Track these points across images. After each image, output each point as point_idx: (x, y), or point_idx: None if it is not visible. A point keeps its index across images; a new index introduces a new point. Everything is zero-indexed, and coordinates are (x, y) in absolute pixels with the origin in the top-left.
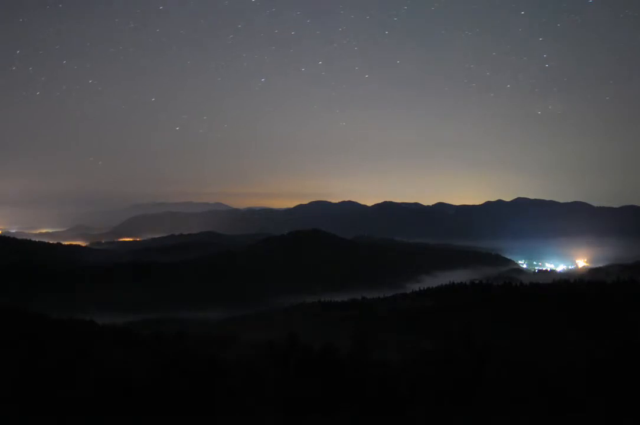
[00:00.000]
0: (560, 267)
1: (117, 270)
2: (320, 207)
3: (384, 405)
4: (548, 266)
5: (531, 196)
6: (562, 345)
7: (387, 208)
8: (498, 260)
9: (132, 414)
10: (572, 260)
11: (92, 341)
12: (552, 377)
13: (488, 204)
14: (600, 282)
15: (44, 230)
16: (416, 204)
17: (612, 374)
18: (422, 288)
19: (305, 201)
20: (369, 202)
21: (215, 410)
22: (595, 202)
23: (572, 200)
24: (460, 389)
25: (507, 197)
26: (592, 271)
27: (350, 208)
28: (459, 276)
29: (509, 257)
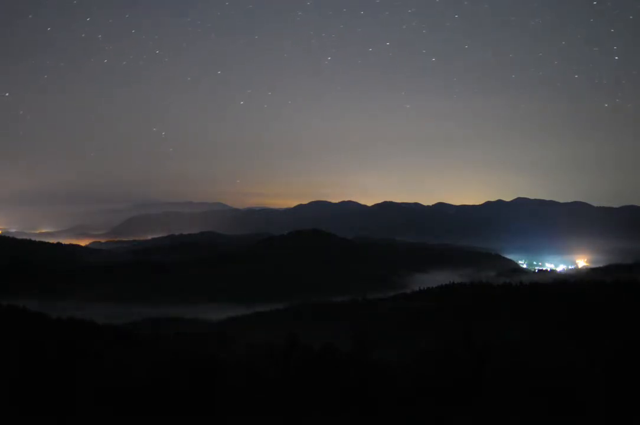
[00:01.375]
0: (560, 267)
1: (117, 270)
2: (320, 207)
3: (384, 405)
4: (548, 266)
5: (531, 196)
6: (562, 345)
7: (387, 208)
8: (498, 260)
9: (132, 414)
10: (572, 260)
11: (92, 341)
12: (552, 377)
13: (488, 204)
14: (600, 282)
15: (44, 230)
16: (416, 204)
17: (612, 374)
18: (422, 288)
19: (305, 201)
20: (369, 202)
21: (216, 410)
22: (595, 202)
23: (572, 200)
24: (460, 388)
25: (507, 197)
26: (592, 271)
27: (350, 208)
28: (459, 276)
29: (509, 257)
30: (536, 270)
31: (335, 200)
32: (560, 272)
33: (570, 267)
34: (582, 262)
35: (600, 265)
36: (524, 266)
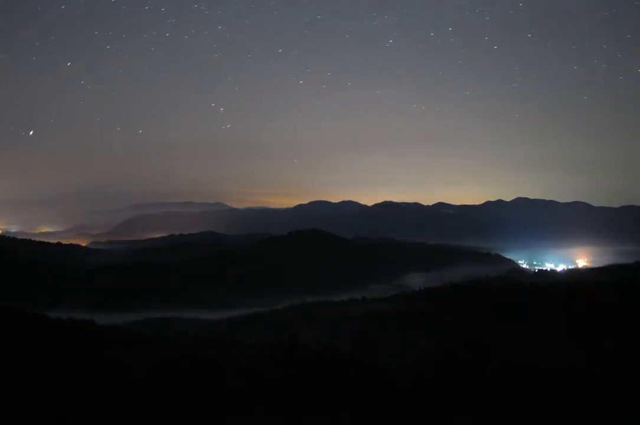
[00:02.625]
0: (560, 267)
1: (117, 270)
2: (320, 207)
3: (384, 405)
4: (548, 266)
5: (531, 196)
6: (561, 346)
7: (387, 208)
8: (498, 260)
9: (132, 414)
10: (572, 260)
11: (92, 341)
12: (552, 377)
13: (488, 204)
14: (600, 282)
15: (44, 230)
16: (416, 204)
17: (612, 374)
18: (422, 288)
19: (305, 201)
20: (369, 202)
21: (216, 410)
22: (595, 202)
23: (572, 200)
24: (460, 388)
25: (507, 197)
26: (592, 271)
27: (350, 208)
28: (459, 276)
29: (509, 257)
30: (536, 270)
31: (335, 200)
32: (560, 272)
33: (570, 267)
34: (582, 262)
35: (600, 265)
36: (524, 266)
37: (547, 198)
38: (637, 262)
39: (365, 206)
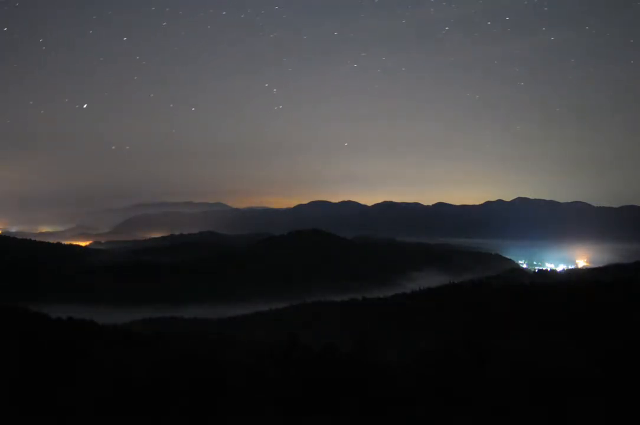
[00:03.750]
0: (560, 267)
1: (117, 270)
2: (320, 207)
3: (384, 405)
4: (548, 266)
5: (531, 196)
6: (562, 345)
7: (387, 208)
8: (498, 260)
9: (132, 414)
10: (572, 260)
11: (92, 341)
12: (552, 377)
13: (488, 204)
14: (600, 282)
15: (44, 230)
16: (416, 204)
17: (612, 374)
18: (422, 288)
19: (305, 201)
20: (369, 202)
21: (216, 410)
22: (595, 202)
23: (572, 200)
24: (461, 389)
25: (507, 197)
26: (592, 271)
27: (350, 208)
28: (459, 276)
29: (509, 257)
30: (536, 270)
31: (335, 200)
32: (560, 272)
33: (570, 267)
34: (582, 262)
35: (600, 265)
36: (524, 266)
37: (547, 198)
38: (637, 262)
39: (365, 206)
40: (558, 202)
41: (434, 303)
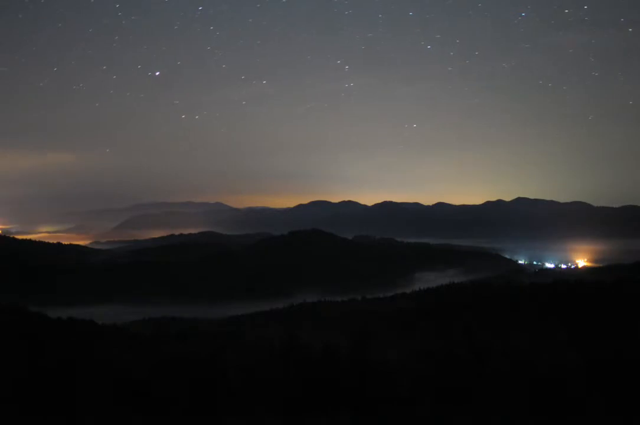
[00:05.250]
0: (560, 267)
1: (117, 270)
2: (320, 207)
3: (384, 405)
4: (548, 266)
5: (531, 196)
6: (562, 345)
7: (387, 208)
8: (498, 260)
9: (133, 414)
10: (572, 260)
11: (92, 341)
12: (552, 377)
13: (488, 204)
14: (600, 282)
15: (44, 230)
16: (416, 204)
17: (612, 374)
18: (422, 288)
19: (305, 201)
20: (369, 202)
21: (216, 410)
22: (595, 202)
23: (572, 200)
24: (460, 389)
25: (507, 197)
26: (592, 271)
27: (350, 208)
28: (459, 276)
29: (509, 257)
30: (536, 270)
31: (335, 200)
32: (560, 272)
33: (570, 267)
34: (582, 262)
35: (600, 265)
36: (524, 266)
37: (547, 198)
38: (637, 262)
39: (365, 206)
40: (558, 202)
41: (434, 303)
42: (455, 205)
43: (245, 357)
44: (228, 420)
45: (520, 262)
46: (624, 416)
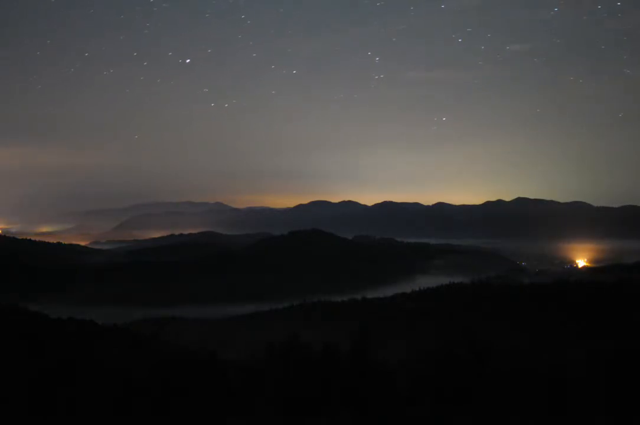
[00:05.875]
0: (561, 267)
1: (117, 270)
2: (320, 207)
3: (384, 405)
4: (548, 266)
5: (531, 196)
6: (562, 345)
7: (387, 208)
8: (498, 260)
9: (133, 414)
10: (572, 260)
11: (92, 341)
12: (551, 377)
13: (488, 204)
14: (600, 282)
15: (44, 230)
16: (416, 204)
17: (612, 374)
18: (422, 288)
19: (305, 201)
20: (369, 202)
21: (216, 410)
22: (595, 202)
23: (572, 200)
24: (461, 388)
25: (507, 197)
26: (592, 271)
27: (350, 208)
28: (459, 276)
29: (509, 257)
30: (536, 270)
31: (335, 200)
32: (560, 272)
33: (570, 267)
34: (582, 262)
35: (600, 265)
36: (524, 266)
37: (547, 198)
38: (637, 262)
39: (365, 206)
40: (558, 202)
41: (434, 303)
42: (455, 205)
43: (246, 357)
44: (229, 420)
45: (520, 262)
46: (623, 416)
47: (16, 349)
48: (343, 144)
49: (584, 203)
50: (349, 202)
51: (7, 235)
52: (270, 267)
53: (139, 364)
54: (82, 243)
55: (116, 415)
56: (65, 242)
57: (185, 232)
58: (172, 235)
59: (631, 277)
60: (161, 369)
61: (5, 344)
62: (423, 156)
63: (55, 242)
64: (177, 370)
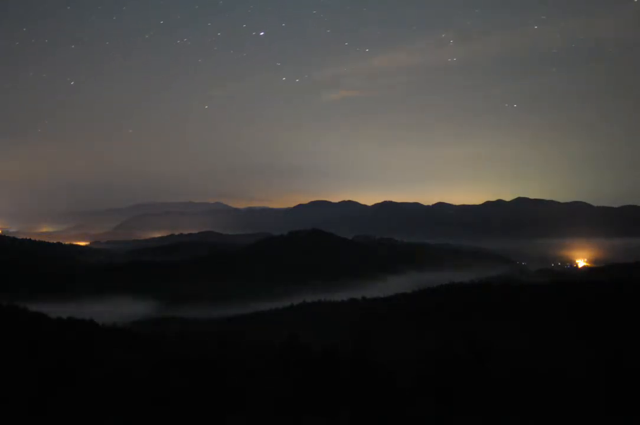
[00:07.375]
0: (561, 267)
1: (117, 270)
2: (320, 207)
3: (384, 404)
4: (548, 266)
5: (531, 196)
6: (562, 345)
7: (387, 208)
8: (498, 260)
9: (133, 414)
10: (572, 260)
11: (92, 341)
12: (551, 377)
13: (488, 204)
14: (600, 282)
15: (44, 230)
16: (416, 204)
17: (612, 374)
18: (422, 288)
19: (305, 201)
20: (369, 202)
21: (216, 410)
22: (595, 202)
23: (572, 200)
24: (460, 388)
25: (507, 197)
26: (592, 271)
27: (350, 208)
28: (459, 276)
29: (509, 257)
30: (536, 270)
31: (335, 200)
32: (560, 271)
33: (570, 266)
34: (582, 262)
35: (600, 265)
36: (524, 266)
37: (547, 198)
38: (637, 262)
39: (365, 206)
40: (558, 202)
41: (433, 303)
42: (455, 205)
43: (246, 357)
44: (228, 419)
45: (520, 262)
46: (623, 416)
47: (16, 349)
48: (343, 144)
49: (584, 203)
50: (349, 202)
51: (7, 235)
52: (270, 267)
53: (139, 364)
54: (82, 243)
55: (116, 415)
56: (65, 242)
57: (185, 232)
58: (172, 235)
59: (631, 277)
60: (161, 369)
61: (5, 344)
62: (423, 156)
63: (55, 242)
64: (178, 370)
